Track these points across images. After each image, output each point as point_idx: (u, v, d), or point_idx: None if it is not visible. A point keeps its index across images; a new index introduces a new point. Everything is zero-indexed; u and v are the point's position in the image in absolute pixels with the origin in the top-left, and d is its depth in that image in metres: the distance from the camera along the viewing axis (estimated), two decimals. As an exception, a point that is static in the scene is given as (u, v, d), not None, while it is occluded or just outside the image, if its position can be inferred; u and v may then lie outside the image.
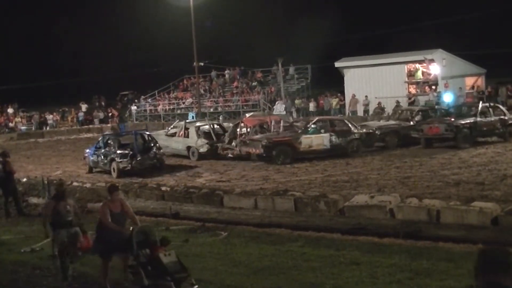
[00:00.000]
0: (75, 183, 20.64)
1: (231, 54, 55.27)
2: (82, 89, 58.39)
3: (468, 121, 25.06)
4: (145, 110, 51.40)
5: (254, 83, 48.76)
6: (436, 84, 37.43)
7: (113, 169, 23.43)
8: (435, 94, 36.19)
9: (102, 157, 24.17)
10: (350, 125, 25.36)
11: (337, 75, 41.35)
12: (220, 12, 62.20)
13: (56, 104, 54.80)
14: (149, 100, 52.90)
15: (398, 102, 35.76)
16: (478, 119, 25.17)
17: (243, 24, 67.40)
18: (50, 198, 11.36)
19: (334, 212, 14.53)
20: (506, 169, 18.82)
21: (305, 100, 43.87)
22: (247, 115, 29.57)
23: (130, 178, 22.23)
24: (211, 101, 48.58)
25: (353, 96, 39.59)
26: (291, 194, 15.94)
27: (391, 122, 27.63)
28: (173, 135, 28.33)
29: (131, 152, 23.40)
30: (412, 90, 39.15)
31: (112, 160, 23.56)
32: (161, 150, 24.52)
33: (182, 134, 27.53)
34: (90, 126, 48.69)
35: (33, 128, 49.01)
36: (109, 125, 47.07)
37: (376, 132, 25.85)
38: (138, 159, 23.24)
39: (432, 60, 37.06)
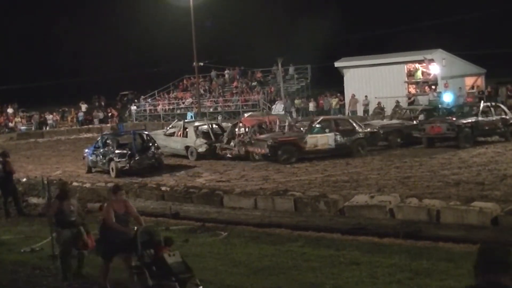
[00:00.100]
0: (75, 183, 20.61)
1: (231, 54, 55.19)
2: (82, 89, 58.35)
3: (470, 120, 25.07)
4: (145, 110, 51.37)
5: (254, 83, 48.74)
6: (436, 84, 37.45)
7: (112, 168, 23.49)
8: (435, 94, 36.20)
9: (101, 157, 24.22)
10: (354, 124, 25.38)
11: (337, 75, 41.37)
12: (220, 12, 62.23)
13: (56, 104, 54.80)
14: (149, 100, 52.88)
15: (397, 102, 35.76)
16: (480, 118, 25.15)
17: (243, 24, 67.36)
18: (52, 198, 11.32)
19: (334, 212, 14.53)
20: (506, 169, 18.82)
21: (304, 100, 43.89)
22: (246, 115, 29.56)
23: (129, 178, 22.25)
24: (211, 101, 48.57)
25: (353, 96, 39.60)
26: (291, 194, 15.93)
27: (394, 121, 27.67)
28: (172, 134, 28.34)
29: (129, 152, 23.43)
30: (412, 90, 39.16)
31: (111, 159, 23.60)
32: (160, 150, 24.55)
33: (180, 134, 27.54)
34: (90, 126, 48.66)
35: (33, 128, 49.01)
36: (108, 125, 47.08)
37: (380, 131, 25.89)
38: (136, 158, 23.27)
39: (432, 60, 37.08)
